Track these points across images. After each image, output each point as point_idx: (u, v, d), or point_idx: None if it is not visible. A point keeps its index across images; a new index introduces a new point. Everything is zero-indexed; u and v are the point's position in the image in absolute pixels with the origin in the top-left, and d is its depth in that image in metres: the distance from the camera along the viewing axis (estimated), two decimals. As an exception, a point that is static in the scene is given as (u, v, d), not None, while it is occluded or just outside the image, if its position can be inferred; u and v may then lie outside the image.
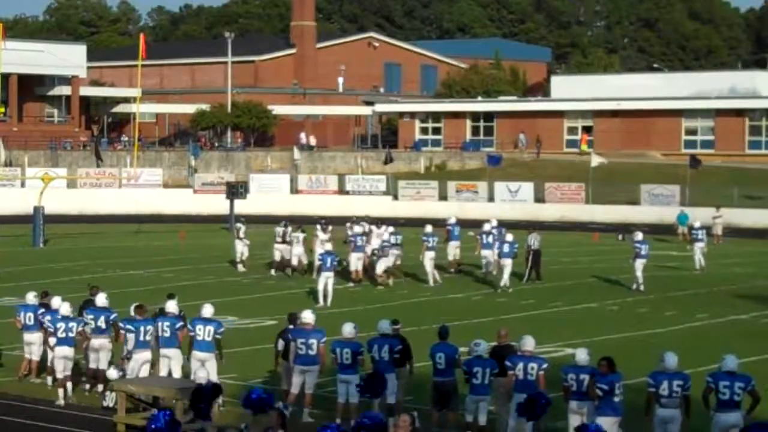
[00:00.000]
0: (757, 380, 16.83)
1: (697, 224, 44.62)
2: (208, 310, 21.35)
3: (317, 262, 35.50)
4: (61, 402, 21.50)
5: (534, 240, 38.75)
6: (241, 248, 41.85)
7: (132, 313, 22.14)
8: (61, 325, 22.07)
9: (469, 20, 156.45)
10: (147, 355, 21.40)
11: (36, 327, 22.98)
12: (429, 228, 38.53)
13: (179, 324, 21.46)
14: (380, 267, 37.05)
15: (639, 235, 37.71)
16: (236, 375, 22.98)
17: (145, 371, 21.31)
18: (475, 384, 18.45)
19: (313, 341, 20.35)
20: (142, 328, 21.40)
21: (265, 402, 14.16)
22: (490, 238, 38.56)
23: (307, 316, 20.76)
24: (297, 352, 20.34)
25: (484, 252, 38.53)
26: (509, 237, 37.75)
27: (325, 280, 33.57)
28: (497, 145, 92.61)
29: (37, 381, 22.94)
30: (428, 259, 37.57)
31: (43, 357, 23.19)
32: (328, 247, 36.02)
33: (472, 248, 40.43)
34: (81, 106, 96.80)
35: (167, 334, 21.30)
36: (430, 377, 19.39)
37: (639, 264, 36.69)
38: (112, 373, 21.16)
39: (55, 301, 22.79)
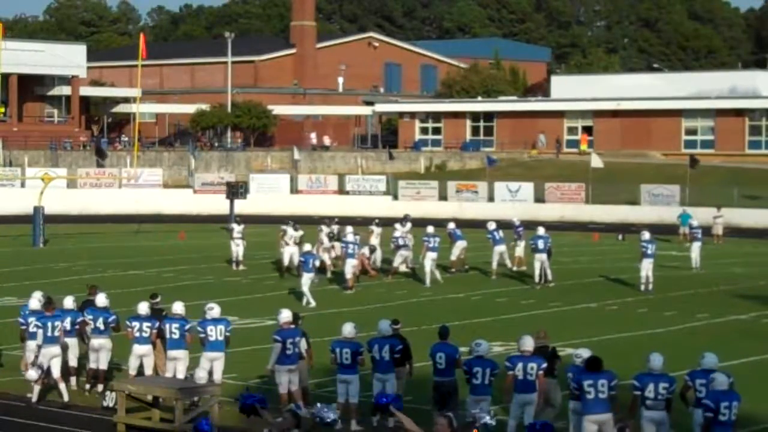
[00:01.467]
0: (757, 380, 16.81)
1: (695, 223, 44.78)
2: (216, 311, 21.35)
3: (298, 262, 35.69)
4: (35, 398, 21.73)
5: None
6: (235, 248, 41.85)
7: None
8: (31, 320, 22.14)
9: (469, 20, 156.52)
10: (55, 350, 21.57)
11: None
12: (431, 228, 38.56)
13: (188, 326, 21.45)
14: (348, 269, 36.55)
15: (646, 235, 37.67)
16: (236, 375, 22.98)
17: (55, 365, 21.48)
18: (475, 384, 18.41)
19: (298, 339, 20.44)
20: (50, 324, 21.61)
21: (256, 406, 14.39)
22: (500, 233, 39.30)
23: (287, 315, 20.79)
24: (286, 352, 20.30)
25: (499, 248, 39.27)
26: (541, 230, 38.06)
27: (308, 281, 33.61)
28: (497, 145, 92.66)
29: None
30: (429, 259, 37.58)
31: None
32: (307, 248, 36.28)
33: (477, 248, 40.53)
34: (81, 106, 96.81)
35: (176, 336, 21.33)
36: (431, 377, 19.39)
37: (646, 264, 36.62)
38: (32, 374, 21.43)
39: (34, 299, 22.95)
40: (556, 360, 19.06)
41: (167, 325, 21.47)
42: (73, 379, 22.63)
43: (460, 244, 40.51)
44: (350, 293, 35.74)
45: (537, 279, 37.36)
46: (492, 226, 39.87)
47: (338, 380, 19.81)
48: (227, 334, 21.14)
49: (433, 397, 19.25)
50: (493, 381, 18.44)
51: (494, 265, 39.58)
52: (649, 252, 36.68)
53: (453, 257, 40.56)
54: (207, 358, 21.05)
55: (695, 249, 42.65)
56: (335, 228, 41.30)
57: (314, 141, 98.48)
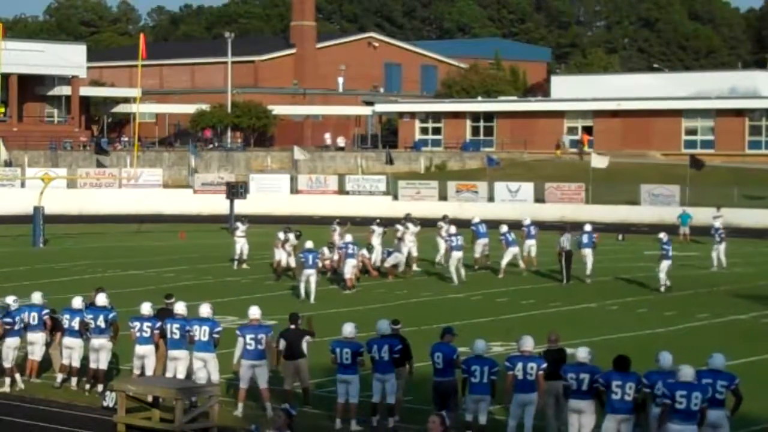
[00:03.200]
0: (757, 380, 16.81)
1: (717, 224, 45.36)
2: (204, 310, 21.38)
3: (299, 260, 35.82)
4: (7, 389, 22.19)
5: (566, 241, 38.76)
6: (240, 247, 41.93)
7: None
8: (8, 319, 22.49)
9: (469, 20, 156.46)
10: None
11: (40, 327, 23.01)
12: (453, 229, 38.96)
13: (187, 326, 21.47)
14: (348, 269, 36.63)
15: (665, 237, 37.89)
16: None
17: None
18: (473, 383, 18.41)
19: (261, 336, 20.58)
20: None
21: None
22: (512, 235, 39.99)
23: (255, 312, 21.10)
24: (246, 347, 20.58)
25: (512, 249, 39.77)
26: (588, 227, 39.33)
27: (307, 278, 33.90)
28: (497, 145, 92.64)
29: (38, 381, 22.97)
30: (455, 259, 37.74)
31: (44, 357, 23.26)
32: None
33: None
34: (81, 106, 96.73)
35: (176, 336, 21.36)
36: (431, 377, 19.39)
37: (665, 265, 36.50)
38: None
39: (9, 299, 23.23)
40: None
41: (168, 325, 21.50)
42: (74, 380, 22.69)
43: (482, 242, 40.75)
44: (349, 293, 35.75)
45: (588, 272, 38.74)
46: (504, 228, 40.41)
47: (338, 380, 19.82)
48: (215, 335, 21.12)
49: (433, 397, 19.26)
50: (494, 380, 18.43)
51: (503, 263, 39.81)
52: (670, 254, 36.64)
53: (476, 254, 40.74)
54: (196, 358, 21.10)
55: (721, 249, 42.91)
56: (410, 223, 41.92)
57: (329, 141, 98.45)
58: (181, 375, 21.23)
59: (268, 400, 20.40)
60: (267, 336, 20.67)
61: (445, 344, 19.40)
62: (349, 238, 37.38)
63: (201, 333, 21.08)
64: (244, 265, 41.77)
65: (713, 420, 16.26)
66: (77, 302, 22.94)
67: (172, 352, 21.42)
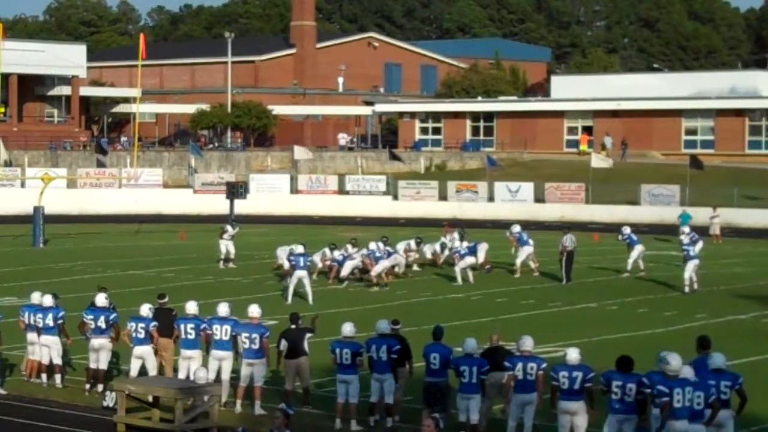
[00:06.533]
0: (758, 380, 16.81)
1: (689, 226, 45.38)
2: (223, 309, 21.35)
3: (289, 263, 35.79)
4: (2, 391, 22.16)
5: (569, 241, 38.72)
6: (225, 247, 41.99)
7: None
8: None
9: (469, 20, 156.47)
10: None
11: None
12: (458, 243, 39.34)
13: (203, 325, 21.48)
14: (377, 268, 37.03)
15: (686, 239, 37.99)
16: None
17: None
18: (463, 382, 18.44)
19: (255, 336, 20.64)
20: None
21: None
22: (525, 235, 40.44)
23: (254, 311, 21.14)
24: (242, 346, 20.75)
25: (527, 249, 40.12)
26: (627, 230, 41.18)
27: (297, 280, 33.86)
28: (497, 145, 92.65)
29: (37, 381, 22.97)
30: (465, 263, 37.99)
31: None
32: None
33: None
34: (81, 106, 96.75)
35: (191, 336, 21.37)
36: (423, 377, 19.39)
37: (690, 266, 36.27)
38: None
39: None
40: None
41: (182, 326, 21.53)
42: (57, 377, 22.68)
43: (482, 247, 40.86)
44: (377, 290, 35.97)
45: (630, 267, 40.33)
46: (516, 228, 40.85)
47: (338, 380, 19.84)
48: (234, 333, 21.14)
49: (425, 397, 19.24)
50: (484, 380, 18.44)
51: (518, 262, 39.98)
52: (691, 254, 36.48)
53: (480, 260, 40.90)
54: (214, 357, 21.10)
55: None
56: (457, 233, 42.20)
57: (342, 142, 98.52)
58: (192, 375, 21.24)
59: (258, 398, 20.48)
60: (261, 336, 20.68)
61: (441, 345, 19.42)
62: (372, 245, 37.64)
63: (222, 332, 21.09)
64: (231, 264, 41.84)
65: (718, 419, 16.24)
66: (48, 300, 23.00)
67: (186, 352, 21.46)
